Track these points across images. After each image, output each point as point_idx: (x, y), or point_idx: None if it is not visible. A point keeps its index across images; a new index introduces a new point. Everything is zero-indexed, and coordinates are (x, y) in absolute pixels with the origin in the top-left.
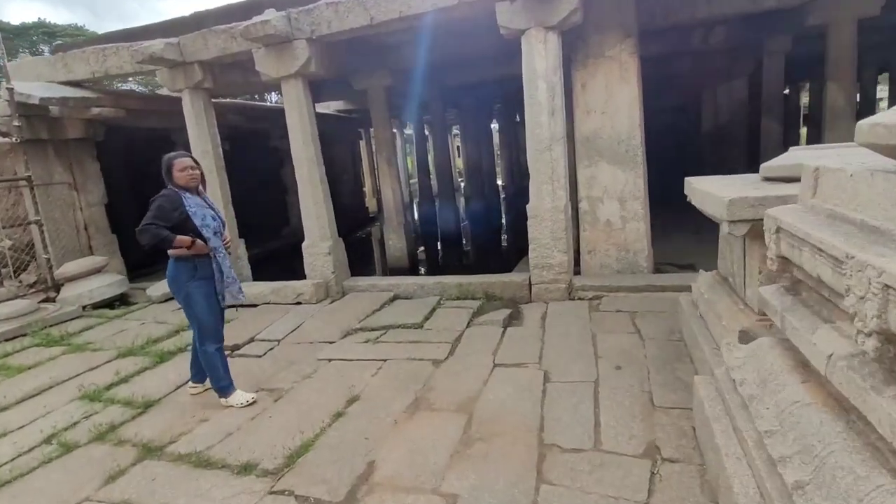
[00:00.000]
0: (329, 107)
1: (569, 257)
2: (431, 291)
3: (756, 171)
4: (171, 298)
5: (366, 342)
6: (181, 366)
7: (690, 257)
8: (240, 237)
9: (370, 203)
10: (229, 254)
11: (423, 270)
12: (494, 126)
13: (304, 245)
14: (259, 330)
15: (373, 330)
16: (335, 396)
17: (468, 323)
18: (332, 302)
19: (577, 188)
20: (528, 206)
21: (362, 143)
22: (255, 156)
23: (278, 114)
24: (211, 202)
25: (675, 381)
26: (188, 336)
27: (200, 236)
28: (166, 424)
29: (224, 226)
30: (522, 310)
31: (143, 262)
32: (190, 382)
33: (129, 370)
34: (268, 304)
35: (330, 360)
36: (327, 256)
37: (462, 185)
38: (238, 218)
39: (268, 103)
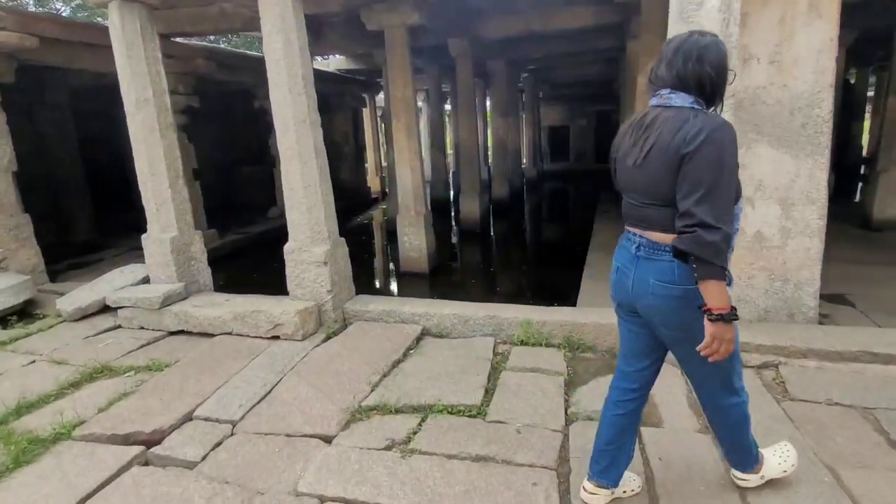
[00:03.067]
0: (328, 65)
1: None
2: (480, 328)
3: None
4: (89, 315)
5: (387, 448)
6: (46, 486)
7: (834, 284)
8: (207, 226)
9: (373, 182)
10: None
11: (442, 277)
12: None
13: (286, 248)
14: (205, 395)
15: (397, 412)
16: None
17: (566, 410)
18: (326, 339)
19: None
20: None
21: (366, 112)
22: (234, 118)
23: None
24: None
25: None
26: (90, 396)
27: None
28: None
29: None
30: None
31: (94, 244)
32: (589, 484)
33: None
34: (229, 334)
35: (323, 502)
36: (321, 268)
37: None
38: (208, 196)
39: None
